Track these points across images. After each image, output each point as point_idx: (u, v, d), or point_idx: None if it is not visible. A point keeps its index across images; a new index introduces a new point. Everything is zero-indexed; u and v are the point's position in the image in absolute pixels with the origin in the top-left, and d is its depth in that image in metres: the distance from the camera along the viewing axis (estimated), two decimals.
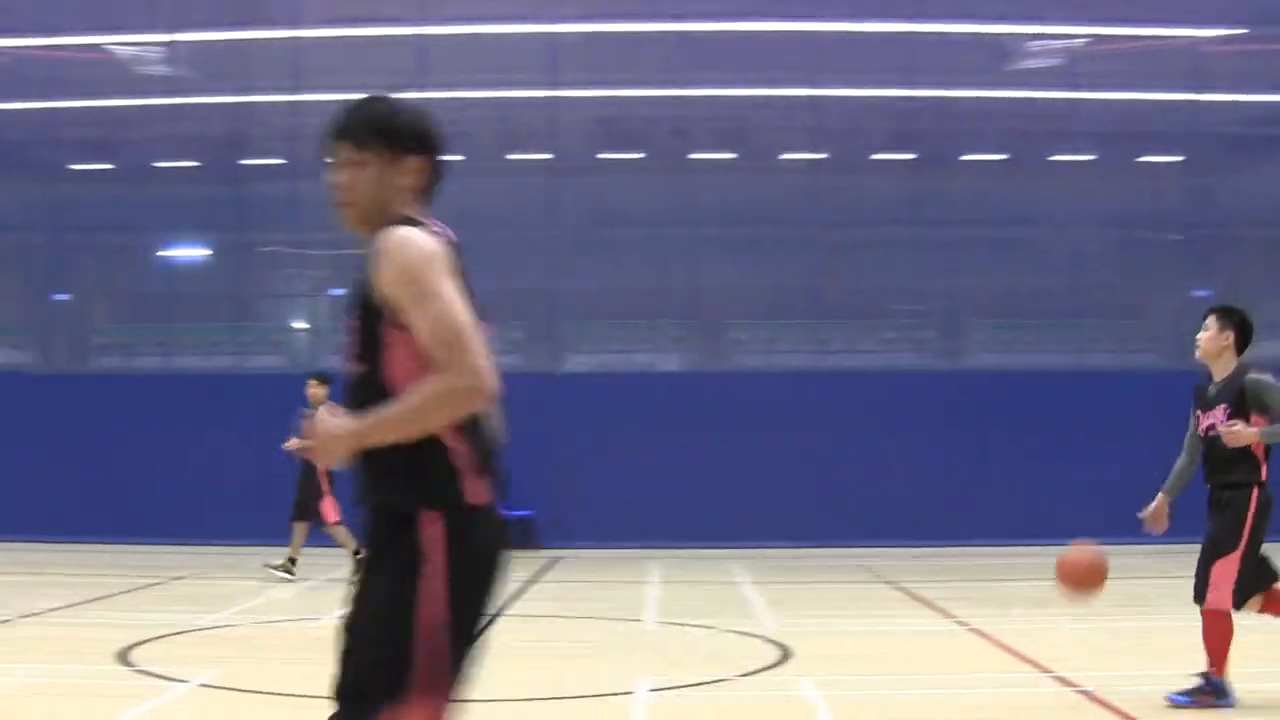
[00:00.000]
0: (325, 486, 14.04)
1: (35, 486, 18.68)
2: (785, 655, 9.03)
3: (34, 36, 22.14)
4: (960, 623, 10.92)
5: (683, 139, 22.33)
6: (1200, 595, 7.08)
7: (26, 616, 10.92)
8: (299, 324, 23.15)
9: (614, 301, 22.34)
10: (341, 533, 13.75)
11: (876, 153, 22.80)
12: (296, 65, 21.18)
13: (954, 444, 18.97)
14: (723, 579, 14.80)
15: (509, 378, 3.43)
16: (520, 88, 22.02)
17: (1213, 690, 7.06)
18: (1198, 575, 7.13)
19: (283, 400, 18.90)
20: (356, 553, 12.46)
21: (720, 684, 8.16)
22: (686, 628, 10.71)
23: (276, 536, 16.48)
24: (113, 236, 22.49)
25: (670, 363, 22.46)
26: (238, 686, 7.59)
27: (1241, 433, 7.00)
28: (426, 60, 20.91)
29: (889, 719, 7.35)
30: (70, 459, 18.86)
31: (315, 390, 14.39)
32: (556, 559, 16.71)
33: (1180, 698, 7.08)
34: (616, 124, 23.04)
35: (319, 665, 8.35)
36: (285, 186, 21.05)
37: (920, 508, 18.76)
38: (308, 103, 21.07)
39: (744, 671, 8.50)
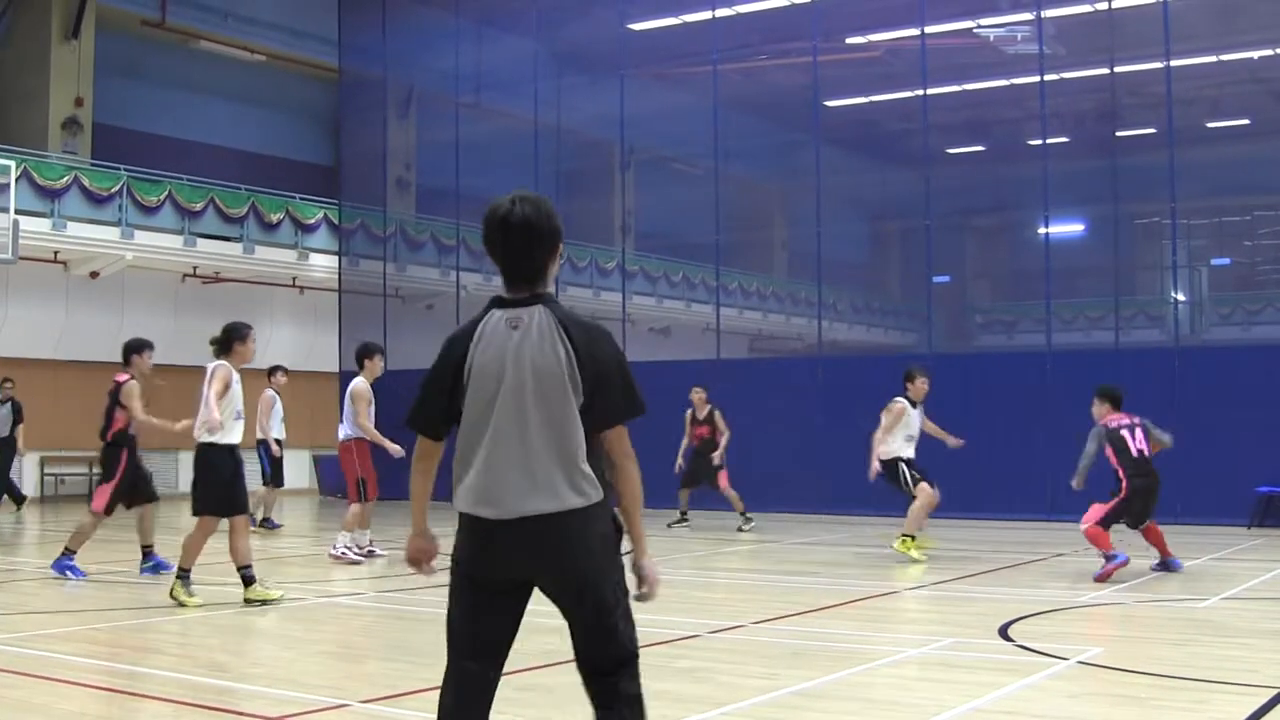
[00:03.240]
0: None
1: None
2: None
3: (904, 29, 23.12)
4: None
5: None
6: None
7: (913, 589, 11.36)
8: (1178, 296, 22.51)
9: None
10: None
11: None
12: (1166, 30, 20.51)
13: None
14: None
15: None
16: None
17: (1107, 559, 11.35)
18: None
19: (1162, 374, 18.63)
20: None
21: None
22: None
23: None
24: (989, 217, 23.20)
25: None
26: (1117, 665, 7.45)
27: None
28: None
29: None
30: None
31: (698, 395, 16.64)
32: None
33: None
34: None
35: (1200, 647, 8.32)
36: (1159, 156, 20.45)
37: None
38: (1180, 68, 20.42)
39: None
